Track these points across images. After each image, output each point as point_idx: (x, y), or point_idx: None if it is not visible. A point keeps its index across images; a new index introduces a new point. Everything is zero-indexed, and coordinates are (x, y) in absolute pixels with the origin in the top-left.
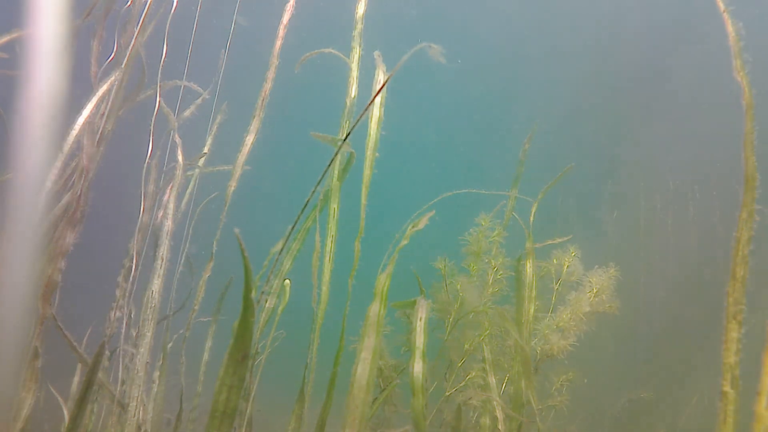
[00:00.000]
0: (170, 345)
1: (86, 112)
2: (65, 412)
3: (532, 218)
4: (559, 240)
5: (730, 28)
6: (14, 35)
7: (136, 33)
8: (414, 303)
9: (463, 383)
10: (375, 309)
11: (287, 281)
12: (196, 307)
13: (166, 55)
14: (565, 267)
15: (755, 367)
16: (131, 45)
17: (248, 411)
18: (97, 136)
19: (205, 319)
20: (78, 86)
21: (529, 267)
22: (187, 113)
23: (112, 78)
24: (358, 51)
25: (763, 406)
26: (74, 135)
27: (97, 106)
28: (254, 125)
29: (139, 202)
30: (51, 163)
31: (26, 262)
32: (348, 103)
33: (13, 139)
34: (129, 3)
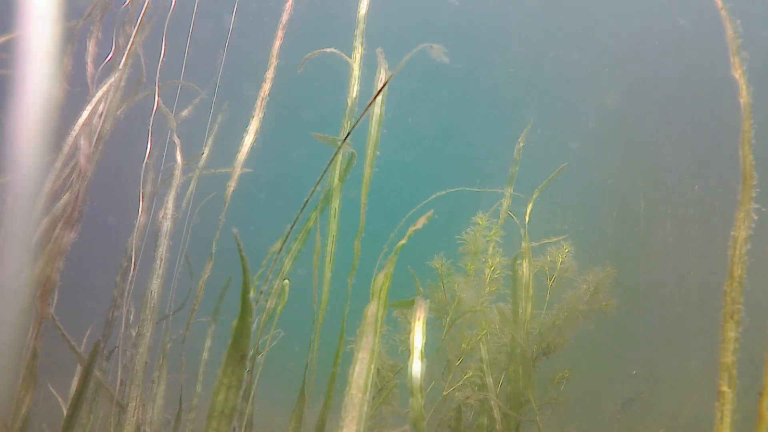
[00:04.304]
0: (170, 345)
1: (84, 113)
2: (65, 412)
3: (527, 217)
4: (555, 239)
5: (728, 26)
6: (9, 36)
7: (134, 33)
8: (412, 303)
9: (460, 382)
10: (372, 309)
11: (286, 281)
12: (196, 307)
13: (165, 54)
14: (559, 263)
15: (753, 366)
16: (129, 45)
17: (248, 411)
18: (95, 137)
19: (204, 319)
20: (77, 86)
21: (525, 266)
22: (185, 113)
23: (111, 79)
24: (360, 50)
25: (765, 406)
26: (73, 135)
27: (95, 106)
28: (253, 125)
29: (137, 202)
30: (47, 163)
31: (24, 262)
32: (350, 103)
33: (9, 140)
34: (127, 2)
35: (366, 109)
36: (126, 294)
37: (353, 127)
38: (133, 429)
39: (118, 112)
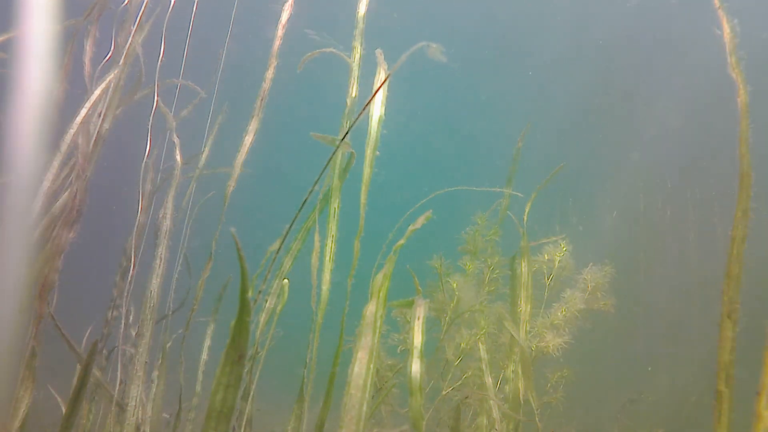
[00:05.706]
0: (169, 345)
1: (83, 112)
2: (64, 412)
3: (525, 217)
4: (554, 238)
5: (725, 25)
6: (8, 36)
7: (133, 32)
8: (411, 302)
9: (459, 382)
10: (371, 309)
11: (286, 281)
12: (195, 307)
13: (164, 54)
14: (557, 262)
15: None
16: (128, 44)
17: (247, 410)
18: (94, 136)
19: (204, 319)
20: (77, 86)
21: (524, 266)
22: (184, 113)
23: (109, 78)
24: (359, 50)
25: (762, 405)
26: (71, 135)
27: (94, 105)
28: (253, 125)
29: (137, 202)
30: (45, 162)
31: (22, 261)
32: (349, 103)
33: (8, 140)
34: (126, 2)
35: (364, 109)
36: (125, 294)
37: (351, 126)
38: (132, 428)
39: (117, 112)
